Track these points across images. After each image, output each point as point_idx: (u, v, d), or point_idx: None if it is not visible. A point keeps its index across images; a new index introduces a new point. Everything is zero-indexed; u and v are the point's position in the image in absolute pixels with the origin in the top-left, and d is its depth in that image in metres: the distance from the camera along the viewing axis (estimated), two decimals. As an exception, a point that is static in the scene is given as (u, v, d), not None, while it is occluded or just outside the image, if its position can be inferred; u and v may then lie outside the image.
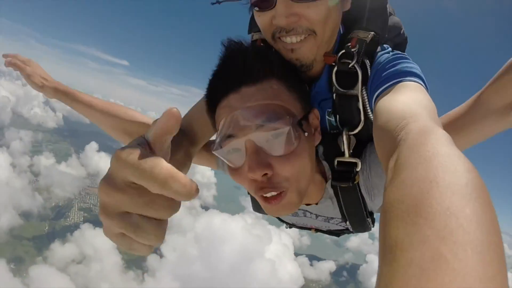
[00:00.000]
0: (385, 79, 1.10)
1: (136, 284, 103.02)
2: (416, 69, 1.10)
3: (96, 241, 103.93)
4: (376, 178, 1.30)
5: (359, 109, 1.23)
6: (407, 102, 0.91)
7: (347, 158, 1.28)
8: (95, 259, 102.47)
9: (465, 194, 0.47)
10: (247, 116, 1.02)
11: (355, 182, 1.31)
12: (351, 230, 1.63)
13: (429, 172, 0.54)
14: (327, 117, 1.35)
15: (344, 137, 1.26)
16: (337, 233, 1.81)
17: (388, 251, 0.47)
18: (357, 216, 1.44)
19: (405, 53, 1.22)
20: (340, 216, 1.48)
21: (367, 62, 1.22)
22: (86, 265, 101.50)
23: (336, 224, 1.60)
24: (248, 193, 1.45)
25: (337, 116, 1.30)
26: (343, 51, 1.22)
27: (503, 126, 1.29)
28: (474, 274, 0.38)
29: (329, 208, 1.46)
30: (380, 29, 1.29)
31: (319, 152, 1.36)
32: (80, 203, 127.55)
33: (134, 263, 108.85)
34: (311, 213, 1.56)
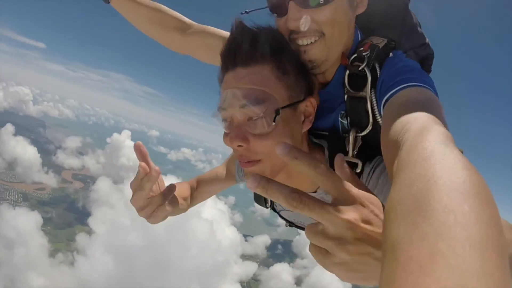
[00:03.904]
0: (393, 84, 1.14)
1: (66, 266, 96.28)
2: (425, 76, 1.14)
3: (18, 223, 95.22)
4: (383, 187, 1.28)
5: (367, 111, 1.28)
6: (413, 107, 0.92)
7: (349, 158, 1.31)
8: (18, 243, 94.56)
9: (463, 191, 0.48)
10: (235, 96, 1.15)
11: None
12: None
13: (427, 170, 0.55)
14: (340, 119, 1.38)
15: (351, 137, 1.31)
16: None
17: (389, 251, 0.49)
18: None
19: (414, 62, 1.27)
20: None
21: (377, 66, 1.27)
22: (9, 250, 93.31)
23: None
24: None
25: (348, 118, 1.34)
26: (355, 54, 1.30)
27: None
28: (471, 270, 0.38)
29: None
30: (396, 37, 1.37)
31: (324, 148, 1.42)
32: None
33: (62, 244, 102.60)
34: None
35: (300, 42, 1.26)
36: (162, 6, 1.82)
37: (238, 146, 1.16)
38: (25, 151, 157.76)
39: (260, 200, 1.75)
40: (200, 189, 2.00)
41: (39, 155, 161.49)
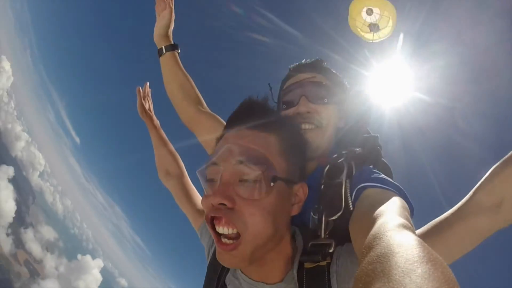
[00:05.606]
0: (368, 179, 1.29)
1: None
2: (396, 184, 1.28)
3: None
4: (355, 267, 1.17)
5: (341, 196, 1.34)
6: (381, 206, 1.04)
7: (321, 240, 1.28)
8: None
9: (417, 260, 0.56)
10: (232, 150, 1.10)
11: (324, 263, 1.20)
12: None
13: (387, 250, 0.64)
14: (311, 214, 1.39)
15: (323, 221, 1.32)
16: None
17: None
18: None
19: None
20: None
21: (354, 165, 1.42)
22: None
23: None
24: None
25: (320, 207, 1.35)
26: (336, 155, 1.48)
27: (495, 226, 1.33)
28: None
29: None
30: (368, 154, 1.58)
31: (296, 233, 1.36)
32: None
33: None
34: None
35: (303, 126, 1.53)
36: (190, 78, 2.19)
37: (219, 204, 1.04)
38: (5, 200, 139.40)
39: (211, 283, 1.46)
40: (181, 180, 2.06)
41: (13, 216, 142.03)
